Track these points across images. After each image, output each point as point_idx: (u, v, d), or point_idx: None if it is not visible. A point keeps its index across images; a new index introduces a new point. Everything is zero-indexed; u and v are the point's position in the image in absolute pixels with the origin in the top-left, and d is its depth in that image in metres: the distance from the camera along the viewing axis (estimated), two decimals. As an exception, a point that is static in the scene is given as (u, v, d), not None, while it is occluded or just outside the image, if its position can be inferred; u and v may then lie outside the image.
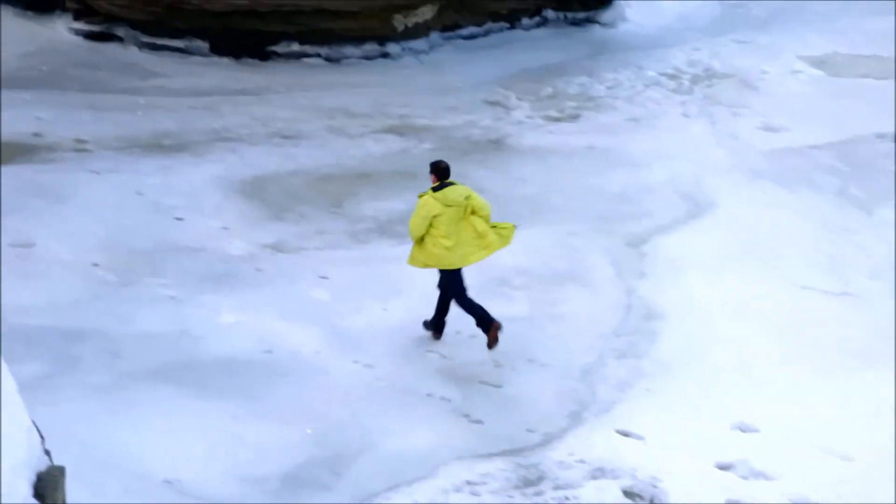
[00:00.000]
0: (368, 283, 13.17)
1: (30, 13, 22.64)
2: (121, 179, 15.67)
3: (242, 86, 20.26)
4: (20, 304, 11.78)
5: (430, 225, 11.55)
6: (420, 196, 11.72)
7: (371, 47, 21.94)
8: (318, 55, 21.76)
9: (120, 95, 19.24)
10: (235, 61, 21.51)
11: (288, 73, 21.10)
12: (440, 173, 11.75)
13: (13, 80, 19.24)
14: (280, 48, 21.72)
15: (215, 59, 21.64)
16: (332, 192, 15.92)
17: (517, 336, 12.14)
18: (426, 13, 22.14)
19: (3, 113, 17.60)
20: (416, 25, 22.17)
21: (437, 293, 12.01)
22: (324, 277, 13.29)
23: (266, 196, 15.62)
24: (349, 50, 21.84)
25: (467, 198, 11.64)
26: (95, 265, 13.16)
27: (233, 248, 14.04)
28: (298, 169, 16.68)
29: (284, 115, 18.79)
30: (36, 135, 17.14)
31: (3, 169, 15.39)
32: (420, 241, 11.67)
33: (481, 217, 11.73)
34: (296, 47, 21.76)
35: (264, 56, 21.64)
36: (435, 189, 11.65)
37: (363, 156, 17.37)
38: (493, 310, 11.73)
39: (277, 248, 14.15)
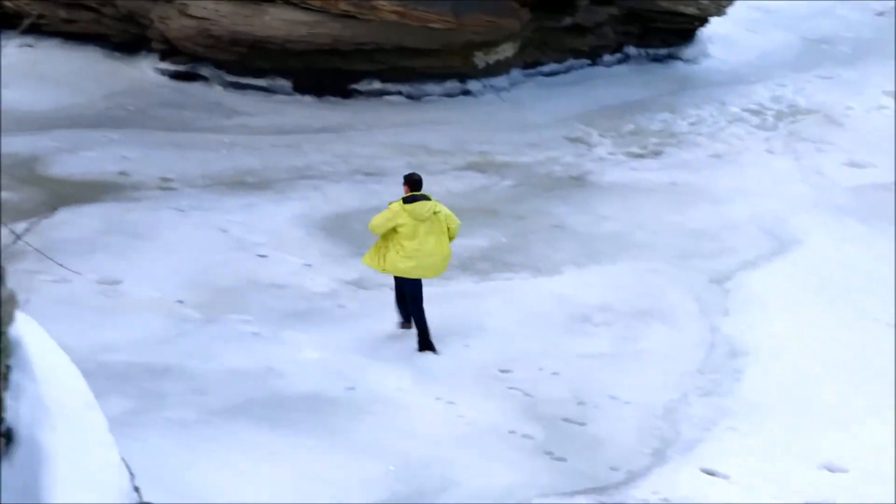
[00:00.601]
0: (450, 319, 13.15)
1: (117, 54, 23.05)
2: (205, 217, 15.84)
3: (324, 124, 20.42)
4: (107, 341, 11.94)
5: (394, 230, 12.29)
6: (390, 203, 12.51)
7: (452, 85, 22.03)
8: (400, 93, 21.88)
9: (204, 134, 19.48)
10: (318, 99, 21.69)
11: (369, 110, 21.24)
12: (412, 185, 12.60)
13: (101, 120, 19.58)
14: (362, 86, 21.88)
15: (298, 97, 21.84)
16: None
17: (599, 373, 12.07)
18: (507, 50, 22.19)
19: (90, 152, 17.92)
20: (497, 62, 22.21)
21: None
22: (406, 314, 13.31)
23: (348, 233, 15.69)
24: (430, 87, 21.94)
25: (436, 213, 12.41)
26: (180, 302, 13.30)
27: (315, 284, 14.12)
28: (380, 206, 16.61)
29: (366, 152, 18.90)
30: (122, 173, 17.40)
31: (90, 208, 15.65)
32: (384, 246, 12.47)
33: (451, 230, 12.60)
34: (377, 85, 21.91)
35: (346, 94, 21.80)
36: (406, 200, 12.41)
37: (444, 193, 17.35)
38: (575, 347, 11.69)
39: (359, 284, 14.19)
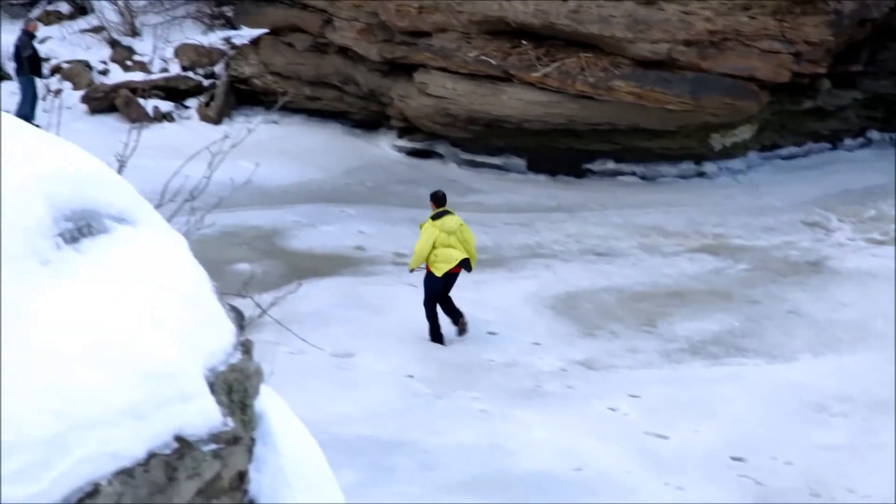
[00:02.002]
0: (680, 403, 12.92)
1: (357, 130, 23.76)
2: (437, 293, 16.02)
3: (557, 203, 20.50)
4: (340, 413, 12.14)
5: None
6: (421, 225, 14.80)
7: (687, 166, 21.86)
8: (634, 173, 21.83)
9: (439, 211, 19.78)
10: (551, 178, 21.81)
11: (603, 190, 21.23)
12: (438, 202, 14.90)
13: (340, 195, 20.12)
14: (596, 166, 21.92)
15: (532, 176, 22.02)
16: (645, 310, 15.80)
17: (836, 465, 11.64)
18: (745, 133, 21.90)
19: (329, 226, 18.43)
20: (734, 145, 21.95)
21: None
22: (634, 396, 13.13)
23: (578, 313, 15.64)
24: (665, 168, 21.82)
25: (461, 225, 14.66)
26: (411, 377, 13.45)
27: (544, 363, 14.09)
28: (611, 286, 16.66)
29: (598, 232, 18.86)
30: (358, 248, 17.81)
31: (327, 281, 16.04)
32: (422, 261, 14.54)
33: (469, 243, 14.73)
34: (611, 165, 21.92)
35: (580, 173, 21.87)
36: (434, 217, 14.62)
37: (677, 275, 17.20)
38: (810, 437, 11.31)
39: (588, 364, 14.10)
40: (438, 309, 14.66)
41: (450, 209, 14.82)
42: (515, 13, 20.48)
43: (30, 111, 24.05)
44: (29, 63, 24.18)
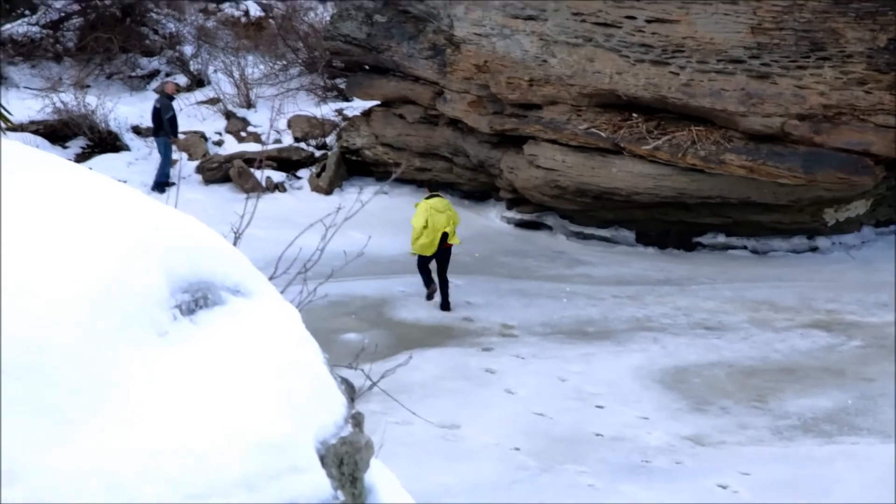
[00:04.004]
0: (792, 481, 12.66)
1: (466, 201, 23.93)
2: (544, 365, 15.98)
3: (666, 276, 20.37)
4: (446, 485, 12.10)
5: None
6: (416, 204, 18.94)
7: (799, 241, 21.61)
8: (745, 247, 21.64)
9: (546, 282, 19.78)
10: (660, 251, 21.71)
11: (712, 264, 21.05)
12: (431, 187, 19.56)
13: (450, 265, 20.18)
14: (706, 239, 21.77)
15: (640, 248, 21.93)
16: (756, 386, 15.57)
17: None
18: (859, 208, 21.61)
19: (436, 297, 18.51)
20: (848, 220, 21.67)
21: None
22: (745, 474, 12.90)
23: (687, 387, 15.46)
24: (776, 243, 21.60)
25: (448, 206, 18.76)
26: (516, 449, 13.38)
27: (652, 438, 13.92)
28: (720, 361, 16.46)
29: (707, 306, 18.68)
30: (466, 319, 17.85)
31: (434, 351, 16.09)
32: (419, 237, 18.35)
33: (453, 223, 18.65)
34: (722, 239, 21.75)
35: (689, 247, 21.73)
36: (427, 198, 18.80)
37: (788, 350, 16.94)
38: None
39: (697, 440, 13.91)
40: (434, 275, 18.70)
41: (439, 193, 19.26)
42: (626, 86, 20.52)
43: (168, 171, 24.71)
44: (170, 125, 24.85)
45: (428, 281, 18.68)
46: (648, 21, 20.09)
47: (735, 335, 17.48)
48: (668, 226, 21.84)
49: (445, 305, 18.48)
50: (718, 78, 19.82)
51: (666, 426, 14.25)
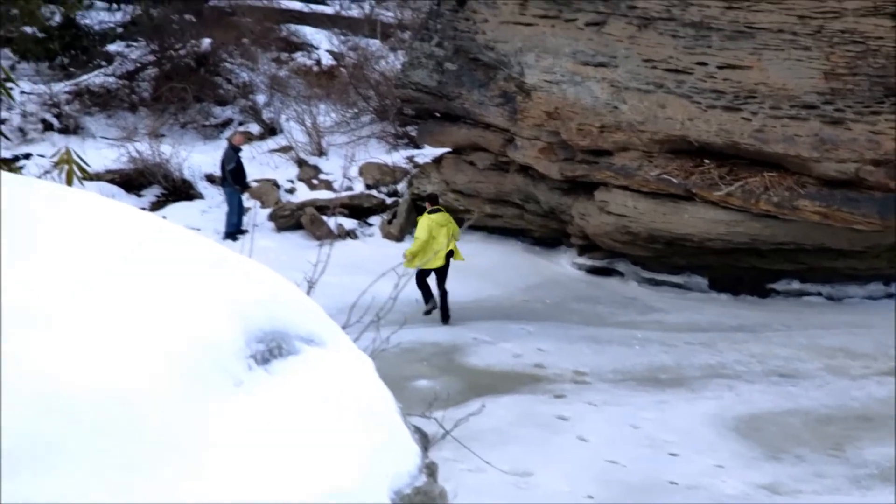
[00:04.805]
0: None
1: (537, 248, 23.91)
2: (617, 412, 15.86)
3: (740, 322, 20.18)
4: (516, 532, 12.05)
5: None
6: (419, 217, 20.03)
7: (875, 287, 21.34)
8: (819, 294, 21.41)
9: (618, 329, 19.67)
10: (734, 298, 21.53)
11: (787, 310, 20.84)
12: (433, 201, 20.32)
13: (519, 312, 20.18)
14: (780, 286, 21.56)
15: (713, 294, 21.77)
16: (832, 434, 15.35)
17: None
18: (936, 253, 21.34)
19: (507, 343, 18.48)
20: (925, 265, 21.39)
21: None
22: (823, 524, 12.74)
23: (761, 435, 15.27)
24: (852, 289, 21.35)
25: (449, 220, 19.60)
26: (590, 497, 13.27)
27: (727, 486, 13.75)
28: (796, 409, 16.25)
29: (782, 353, 18.47)
30: (537, 366, 17.78)
31: (506, 398, 16.03)
32: (421, 251, 18.89)
33: (453, 237, 19.39)
34: (796, 285, 21.53)
35: (763, 293, 21.54)
36: (430, 212, 19.64)
37: (865, 398, 16.69)
38: None
39: (773, 489, 13.72)
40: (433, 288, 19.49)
41: (441, 207, 20.37)
42: (698, 132, 20.43)
43: (238, 221, 24.94)
44: (232, 176, 25.10)
45: (428, 296, 19.41)
46: (720, 67, 20.02)
47: (811, 382, 17.26)
48: (742, 272, 21.66)
49: (446, 318, 19.64)
50: (791, 124, 19.68)
51: (741, 475, 14.08)
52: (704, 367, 17.86)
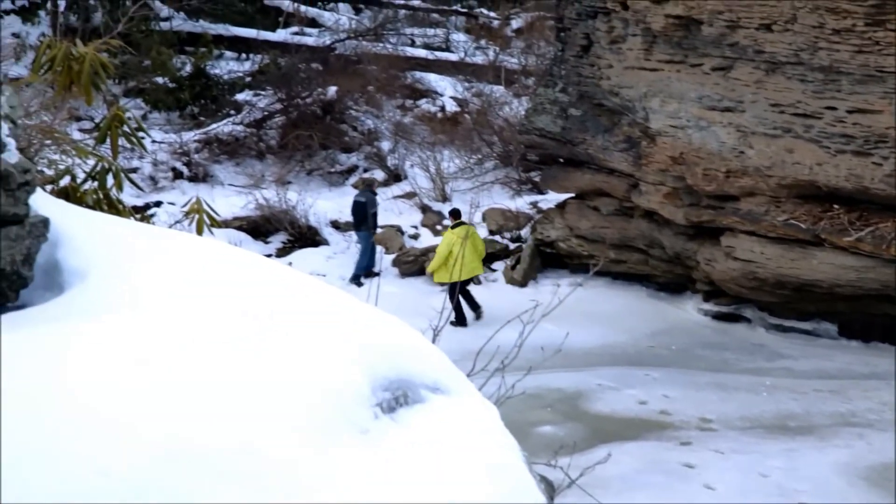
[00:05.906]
0: None
1: (661, 294, 23.72)
2: (745, 460, 15.62)
3: (871, 370, 19.76)
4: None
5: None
6: (443, 233, 20.99)
7: None
8: (954, 341, 20.90)
9: (745, 376, 19.39)
10: (864, 345, 21.10)
11: (919, 359, 20.36)
12: (456, 216, 21.94)
13: (643, 358, 20.02)
14: (913, 330, 21.10)
15: (843, 341, 21.36)
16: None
17: None
18: None
19: (632, 390, 18.34)
20: None
21: None
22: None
23: (894, 485, 14.93)
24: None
25: (472, 233, 20.65)
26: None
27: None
28: (932, 460, 15.86)
29: (916, 401, 18.06)
30: (663, 412, 17.60)
31: (631, 445, 15.88)
32: (444, 265, 20.17)
33: (478, 250, 20.97)
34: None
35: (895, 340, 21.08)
36: (452, 227, 21.04)
37: None
38: None
39: (908, 543, 13.41)
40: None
41: (465, 221, 21.81)
42: (827, 177, 20.12)
43: (370, 263, 25.24)
44: (374, 219, 25.49)
45: (459, 314, 20.57)
46: (849, 111, 19.70)
47: (943, 433, 16.83)
48: (873, 318, 21.21)
49: (460, 321, 20.55)
50: (924, 167, 19.31)
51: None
52: (834, 416, 17.51)
